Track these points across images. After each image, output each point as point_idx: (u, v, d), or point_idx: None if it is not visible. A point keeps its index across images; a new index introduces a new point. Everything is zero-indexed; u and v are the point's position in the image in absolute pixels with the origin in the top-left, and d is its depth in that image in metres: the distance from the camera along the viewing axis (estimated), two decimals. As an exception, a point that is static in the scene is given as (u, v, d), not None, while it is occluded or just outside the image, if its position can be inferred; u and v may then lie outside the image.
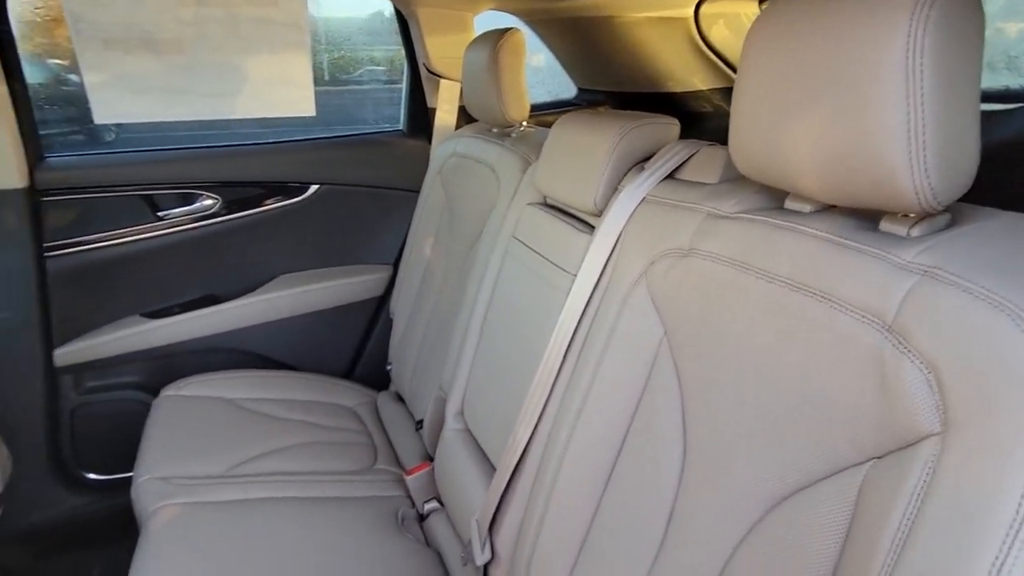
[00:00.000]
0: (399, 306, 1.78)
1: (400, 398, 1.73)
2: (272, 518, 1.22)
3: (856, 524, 0.57)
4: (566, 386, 0.96)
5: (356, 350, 1.96)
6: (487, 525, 1.04)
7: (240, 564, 1.10)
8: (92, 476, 1.74)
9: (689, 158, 0.95)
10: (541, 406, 0.99)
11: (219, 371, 1.72)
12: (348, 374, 1.95)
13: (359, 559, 1.16)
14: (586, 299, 0.96)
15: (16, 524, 1.59)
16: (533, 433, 1.00)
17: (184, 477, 1.32)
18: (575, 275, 1.00)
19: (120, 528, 1.22)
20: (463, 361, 1.32)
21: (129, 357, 1.73)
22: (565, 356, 0.97)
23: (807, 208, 0.72)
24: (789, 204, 0.74)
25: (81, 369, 1.70)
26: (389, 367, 1.78)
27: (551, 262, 1.11)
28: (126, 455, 1.41)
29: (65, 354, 1.66)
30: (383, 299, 1.94)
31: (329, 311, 1.89)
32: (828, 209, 0.71)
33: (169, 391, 1.62)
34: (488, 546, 1.04)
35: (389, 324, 1.84)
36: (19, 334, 1.59)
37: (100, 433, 1.74)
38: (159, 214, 1.71)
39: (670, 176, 0.96)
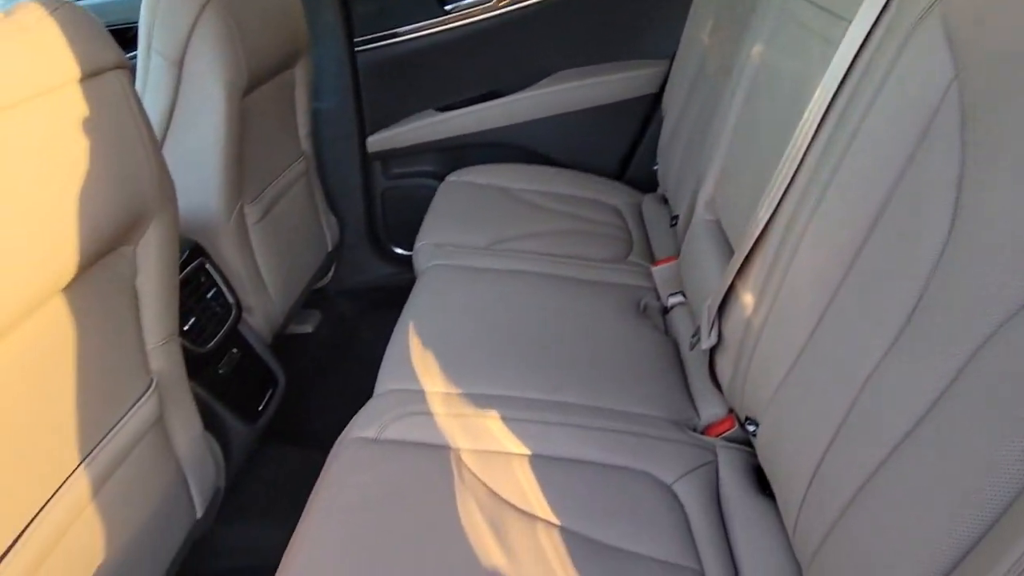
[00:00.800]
0: (671, 102, 1.66)
1: (665, 200, 1.66)
2: (522, 288, 1.30)
3: None
4: (819, 155, 0.81)
5: (628, 150, 1.91)
6: (716, 309, 0.97)
7: (489, 321, 1.20)
8: (398, 250, 2.03)
9: None
10: (788, 181, 0.85)
11: (497, 163, 1.82)
12: (619, 175, 1.92)
13: (599, 335, 1.19)
14: (858, 45, 0.77)
15: (344, 283, 1.95)
16: (774, 213, 0.87)
17: (453, 245, 1.46)
18: (851, 22, 0.80)
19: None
20: (720, 145, 1.19)
21: (424, 147, 1.91)
22: (823, 119, 0.81)
23: None
24: None
25: (388, 156, 1.93)
26: (656, 168, 1.71)
27: (827, 10, 0.90)
28: None
29: (375, 142, 1.90)
30: (658, 97, 1.83)
31: (602, 108, 1.85)
32: None
33: (452, 177, 1.77)
34: (716, 330, 0.98)
35: (661, 124, 1.74)
36: (339, 122, 1.85)
37: (403, 213, 1.99)
38: (446, 8, 1.78)
39: None
